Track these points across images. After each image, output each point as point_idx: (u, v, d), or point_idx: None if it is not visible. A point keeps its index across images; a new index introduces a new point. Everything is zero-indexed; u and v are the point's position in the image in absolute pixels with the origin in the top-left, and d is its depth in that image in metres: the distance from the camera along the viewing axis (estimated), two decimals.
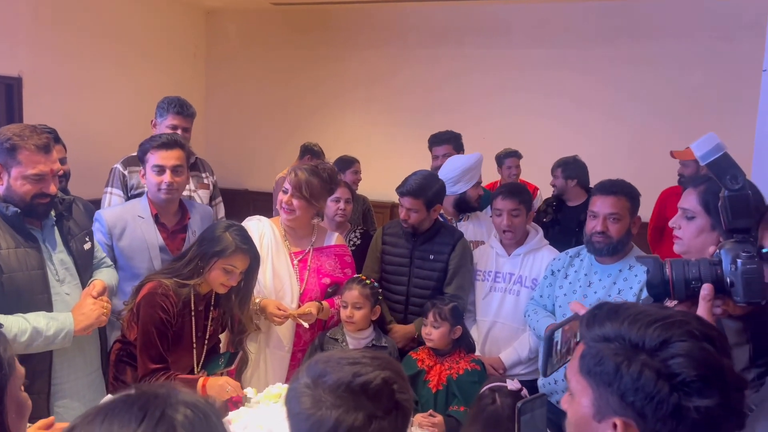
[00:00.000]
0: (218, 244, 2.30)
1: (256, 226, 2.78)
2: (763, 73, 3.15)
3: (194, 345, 2.41)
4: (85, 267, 2.38)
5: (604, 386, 0.90)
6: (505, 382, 2.14)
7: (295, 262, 2.77)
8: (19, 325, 2.04)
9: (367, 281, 2.72)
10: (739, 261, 1.30)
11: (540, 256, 2.93)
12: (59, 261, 2.26)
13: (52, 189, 2.19)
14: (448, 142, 3.99)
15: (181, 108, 3.25)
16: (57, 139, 2.86)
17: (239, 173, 7.40)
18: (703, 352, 0.86)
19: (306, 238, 2.83)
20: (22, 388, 1.26)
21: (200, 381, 2.27)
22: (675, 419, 0.84)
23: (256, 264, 2.45)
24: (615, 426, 0.89)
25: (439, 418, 2.39)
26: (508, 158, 5.06)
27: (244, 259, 2.35)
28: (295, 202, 2.68)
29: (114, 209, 2.87)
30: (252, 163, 7.53)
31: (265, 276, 2.67)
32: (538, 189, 5.32)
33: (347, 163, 4.64)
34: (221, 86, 7.76)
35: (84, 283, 2.36)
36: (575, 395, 0.96)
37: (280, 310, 2.58)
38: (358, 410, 0.96)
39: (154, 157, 2.69)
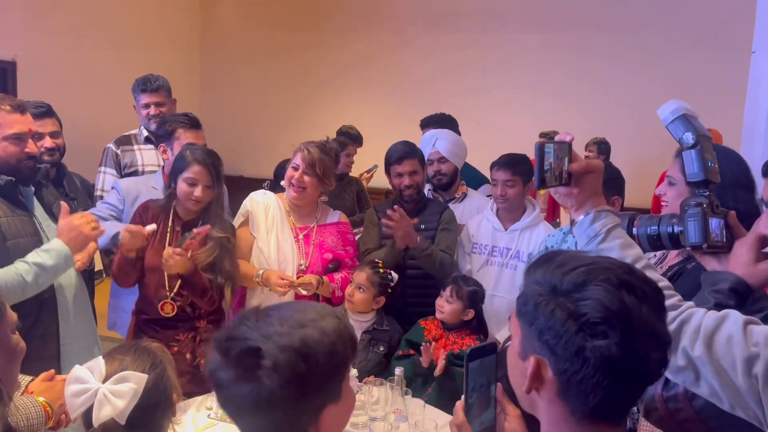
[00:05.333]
0: (179, 161, 2.53)
1: (262, 198, 2.82)
2: (753, 54, 3.20)
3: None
4: None
5: (527, 325, 0.94)
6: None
7: (301, 237, 2.80)
8: (18, 268, 2.05)
9: (381, 270, 2.74)
10: (687, 209, 1.39)
11: (537, 232, 2.98)
12: (48, 227, 2.30)
13: (32, 148, 2.21)
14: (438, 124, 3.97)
15: (144, 84, 3.26)
16: (50, 113, 2.91)
17: (235, 159, 7.40)
18: (612, 297, 0.87)
19: (311, 215, 2.86)
20: (17, 333, 1.26)
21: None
22: (580, 359, 0.87)
23: (218, 178, 2.58)
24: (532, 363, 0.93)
25: (428, 349, 2.54)
26: None
27: (201, 170, 2.49)
28: (306, 179, 2.70)
29: (130, 179, 3.04)
30: (248, 149, 7.54)
31: (269, 248, 2.73)
32: None
33: (340, 144, 4.64)
34: (216, 70, 7.76)
35: None
36: (513, 337, 1.01)
37: (282, 279, 2.61)
38: (228, 369, 1.00)
39: (186, 136, 2.84)
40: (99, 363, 1.32)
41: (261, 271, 2.66)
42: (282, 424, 1.01)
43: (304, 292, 2.63)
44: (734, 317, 1.17)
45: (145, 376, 1.29)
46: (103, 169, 3.24)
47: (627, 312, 0.87)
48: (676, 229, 1.41)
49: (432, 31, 6.95)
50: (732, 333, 1.14)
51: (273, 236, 2.75)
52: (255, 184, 3.78)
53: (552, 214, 5.40)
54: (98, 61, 6.23)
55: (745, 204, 1.60)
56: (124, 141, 3.28)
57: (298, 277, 2.69)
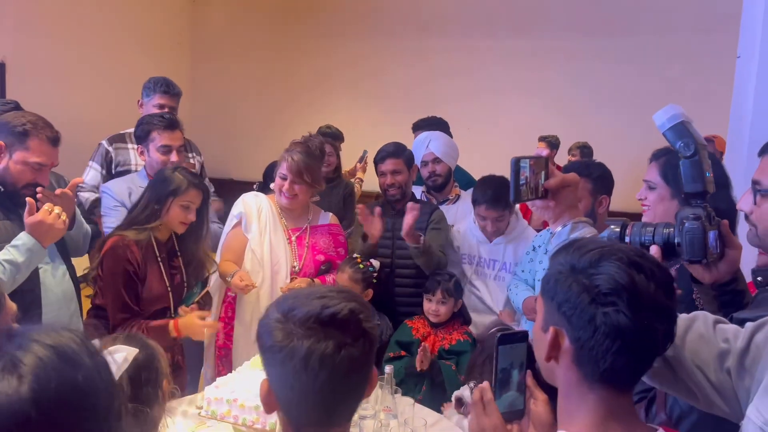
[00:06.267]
0: (171, 183, 2.39)
1: (254, 200, 2.82)
2: (738, 59, 3.24)
3: (169, 289, 2.47)
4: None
5: (549, 300, 1.04)
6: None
7: (293, 238, 2.81)
8: None
9: (361, 264, 2.76)
10: (686, 222, 1.39)
11: (524, 244, 2.96)
12: None
13: (44, 180, 2.26)
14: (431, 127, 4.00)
15: (167, 87, 3.31)
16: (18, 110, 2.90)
17: (225, 162, 7.39)
18: (622, 272, 0.97)
19: (303, 216, 2.87)
20: (17, 324, 1.28)
21: (171, 324, 2.33)
22: (592, 327, 0.97)
23: (207, 197, 2.53)
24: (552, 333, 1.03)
25: (428, 353, 2.56)
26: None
27: (198, 194, 2.43)
28: (296, 187, 2.70)
29: (116, 181, 3.01)
30: (237, 152, 7.54)
31: (262, 249, 2.73)
32: None
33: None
34: (206, 73, 7.75)
35: (60, 250, 2.44)
36: (537, 315, 1.10)
37: (241, 281, 2.54)
38: (328, 339, 1.02)
39: (161, 138, 2.82)
40: (96, 342, 1.36)
41: (234, 271, 2.63)
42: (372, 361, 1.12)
43: None
44: (703, 317, 1.22)
45: (136, 350, 1.34)
46: (90, 163, 3.27)
47: (635, 286, 0.96)
48: (674, 239, 1.41)
49: (422, 35, 6.99)
50: (702, 332, 1.19)
51: (266, 238, 2.74)
52: (244, 186, 3.78)
53: None
54: (87, 63, 6.21)
55: (724, 203, 1.64)
56: (118, 139, 3.30)
57: (291, 279, 2.71)
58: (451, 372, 2.57)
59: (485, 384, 1.18)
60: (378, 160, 3.09)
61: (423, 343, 2.61)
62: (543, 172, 1.39)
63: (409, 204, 2.83)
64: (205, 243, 2.60)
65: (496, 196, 2.87)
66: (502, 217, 2.91)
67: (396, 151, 3.07)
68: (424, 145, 3.33)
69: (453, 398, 2.35)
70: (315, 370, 1.01)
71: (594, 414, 1.00)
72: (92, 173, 3.22)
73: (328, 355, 1.02)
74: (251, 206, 2.79)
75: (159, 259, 2.45)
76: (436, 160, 3.30)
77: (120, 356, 1.32)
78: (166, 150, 2.83)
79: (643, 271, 0.98)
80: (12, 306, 1.28)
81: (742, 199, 1.44)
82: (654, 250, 1.40)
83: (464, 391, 2.33)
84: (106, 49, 6.40)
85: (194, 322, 2.33)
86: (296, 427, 1.09)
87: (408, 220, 2.78)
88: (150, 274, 2.41)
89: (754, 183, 1.40)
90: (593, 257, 1.00)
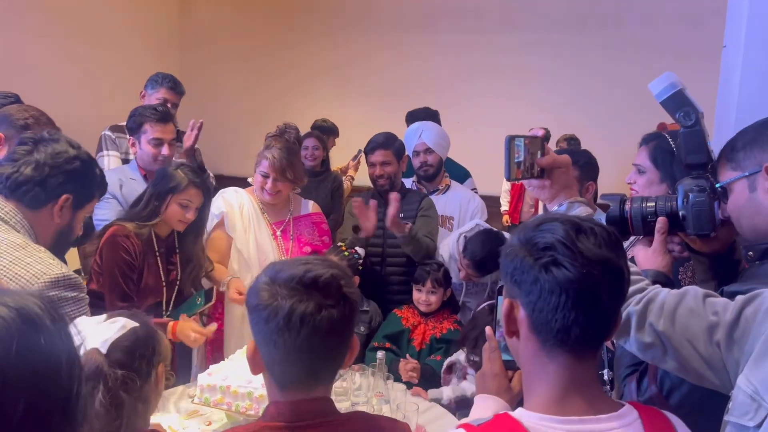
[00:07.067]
0: (171, 180, 2.39)
1: (234, 196, 2.79)
2: (724, 49, 3.27)
3: (164, 285, 2.47)
4: None
5: (504, 276, 1.05)
6: None
7: (278, 232, 2.79)
8: None
9: (345, 252, 2.74)
10: (690, 195, 1.36)
11: None
12: None
13: None
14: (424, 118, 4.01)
15: (174, 84, 3.40)
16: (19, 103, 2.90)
17: (214, 158, 7.34)
18: (559, 229, 0.98)
19: (284, 208, 2.85)
20: None
21: (170, 325, 2.33)
22: (538, 286, 0.97)
23: (208, 198, 2.52)
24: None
25: (414, 363, 2.52)
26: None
27: (198, 193, 2.43)
28: (279, 185, 2.69)
29: (107, 172, 2.95)
30: (227, 147, 7.52)
31: (248, 247, 2.70)
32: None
33: (317, 138, 4.48)
34: (196, 68, 7.72)
35: None
36: (503, 298, 1.11)
37: (240, 295, 2.49)
38: (310, 300, 1.09)
39: (153, 130, 2.80)
40: (101, 317, 1.41)
41: (227, 279, 2.60)
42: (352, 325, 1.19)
43: None
44: (693, 292, 1.23)
45: (135, 323, 1.36)
46: (105, 152, 3.28)
47: (570, 238, 0.97)
48: (679, 211, 1.39)
49: (412, 28, 7.01)
50: (692, 306, 1.21)
51: (251, 236, 2.72)
52: (234, 182, 3.78)
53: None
54: (75, 58, 6.18)
55: None
56: (118, 129, 3.32)
57: None
58: (439, 363, 2.56)
59: (489, 330, 1.21)
60: (368, 151, 3.10)
61: (405, 362, 2.55)
62: (539, 152, 1.38)
63: (392, 195, 2.83)
64: (202, 240, 2.60)
65: (483, 262, 2.79)
66: (483, 278, 2.89)
67: (386, 143, 3.08)
68: (417, 135, 3.33)
69: (445, 364, 2.37)
70: (297, 328, 1.08)
71: (555, 386, 0.99)
72: (112, 160, 3.23)
73: (309, 314, 1.08)
74: (232, 204, 2.74)
75: (157, 254, 2.45)
76: (428, 151, 3.31)
77: (116, 323, 1.34)
78: (158, 143, 2.81)
79: (582, 229, 0.98)
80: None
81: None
82: (661, 221, 1.39)
83: (459, 356, 2.35)
84: (94, 45, 6.37)
85: (187, 330, 2.31)
86: (281, 384, 1.14)
87: (391, 211, 2.78)
88: (147, 267, 2.41)
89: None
90: (534, 224, 1.03)
